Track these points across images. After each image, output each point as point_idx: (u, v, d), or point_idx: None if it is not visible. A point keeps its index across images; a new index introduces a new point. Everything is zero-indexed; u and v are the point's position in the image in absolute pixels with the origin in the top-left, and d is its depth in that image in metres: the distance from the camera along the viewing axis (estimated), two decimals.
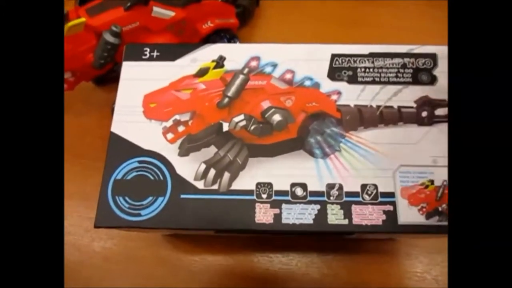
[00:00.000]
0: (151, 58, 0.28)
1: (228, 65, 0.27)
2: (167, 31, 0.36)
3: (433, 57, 0.27)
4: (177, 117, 0.26)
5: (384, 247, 0.35)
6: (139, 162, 0.25)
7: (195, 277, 0.34)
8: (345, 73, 0.27)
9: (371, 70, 0.27)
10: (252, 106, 0.26)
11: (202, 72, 0.27)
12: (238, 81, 0.26)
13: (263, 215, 0.23)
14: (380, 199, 0.24)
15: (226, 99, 0.26)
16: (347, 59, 0.27)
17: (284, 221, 0.23)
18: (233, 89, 0.26)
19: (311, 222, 0.23)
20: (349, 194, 0.24)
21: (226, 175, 0.24)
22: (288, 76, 0.27)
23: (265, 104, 0.26)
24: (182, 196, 0.24)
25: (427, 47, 0.28)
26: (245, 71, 0.27)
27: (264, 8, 0.48)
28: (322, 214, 0.23)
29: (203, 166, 0.24)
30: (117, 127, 0.26)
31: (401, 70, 0.27)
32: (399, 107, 0.26)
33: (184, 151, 0.25)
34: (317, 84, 0.26)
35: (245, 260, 0.35)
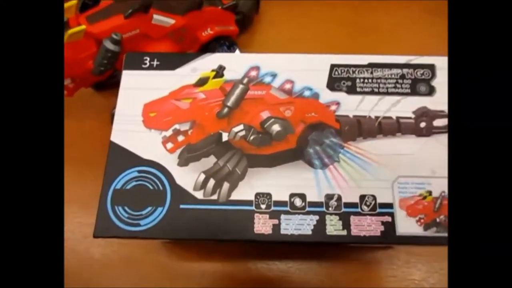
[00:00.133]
0: (151, 67, 0.28)
1: (228, 75, 0.27)
2: (167, 38, 0.37)
3: (431, 68, 0.28)
4: (176, 126, 0.26)
5: (383, 255, 0.35)
6: (139, 171, 0.25)
7: (194, 284, 0.34)
8: (344, 83, 0.27)
9: (370, 80, 0.27)
10: (252, 116, 0.26)
11: (202, 82, 0.27)
12: (237, 91, 0.26)
13: (262, 225, 0.23)
14: (378, 210, 0.24)
15: (226, 109, 0.26)
16: (346, 69, 0.27)
17: (283, 231, 0.23)
18: (232, 99, 0.26)
19: (310, 232, 0.23)
20: (348, 205, 0.24)
21: (226, 185, 0.24)
22: (288, 86, 0.27)
23: (265, 114, 0.26)
24: (182, 206, 0.24)
25: (426, 57, 0.28)
26: (245, 81, 0.27)
27: (263, 15, 0.48)
28: (320, 225, 0.23)
29: (203, 176, 0.24)
30: (116, 136, 0.26)
31: (400, 81, 0.27)
32: (398, 118, 0.26)
33: (183, 161, 0.25)
34: (316, 94, 0.27)
35: (243, 267, 0.35)
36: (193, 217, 0.23)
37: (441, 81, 0.27)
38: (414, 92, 0.27)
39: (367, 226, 0.23)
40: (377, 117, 0.26)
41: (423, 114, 0.26)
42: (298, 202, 0.24)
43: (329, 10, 0.49)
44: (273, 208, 0.24)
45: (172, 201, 0.24)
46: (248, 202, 0.24)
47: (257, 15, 0.48)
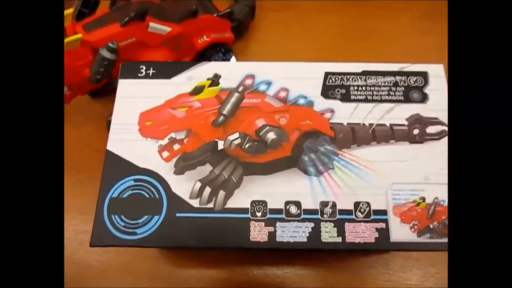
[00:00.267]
0: (147, 76, 0.28)
1: (223, 83, 0.27)
2: (164, 46, 0.37)
3: (424, 75, 0.28)
4: (172, 135, 0.26)
5: (379, 260, 0.35)
6: (135, 180, 0.25)
7: None
8: (338, 91, 0.27)
9: (363, 88, 0.27)
10: (247, 124, 0.26)
11: (198, 90, 0.27)
12: (233, 99, 0.26)
13: (258, 233, 0.24)
14: (372, 217, 0.24)
15: (221, 117, 0.26)
16: (340, 77, 0.28)
17: (278, 239, 0.23)
18: (228, 107, 0.26)
19: (305, 240, 0.23)
20: (342, 212, 0.24)
21: (221, 193, 0.24)
22: (282, 94, 0.27)
23: (260, 122, 0.26)
24: (178, 214, 0.24)
25: (418, 65, 0.28)
26: (240, 89, 0.27)
27: (259, 22, 0.49)
28: (316, 232, 0.24)
29: (199, 185, 0.24)
30: (113, 145, 0.26)
31: (393, 88, 0.27)
32: (391, 125, 0.26)
33: (179, 169, 0.25)
34: (310, 102, 0.27)
35: (240, 273, 0.35)
36: (189, 225, 0.24)
37: (434, 88, 0.28)
38: (407, 99, 0.27)
39: (361, 232, 0.23)
40: (371, 125, 0.26)
41: (416, 121, 0.26)
42: (293, 209, 0.24)
43: (325, 16, 0.49)
44: (268, 215, 0.24)
45: (168, 210, 0.24)
46: (244, 210, 0.24)
47: (253, 22, 0.48)
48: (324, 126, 0.26)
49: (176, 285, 0.35)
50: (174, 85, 0.27)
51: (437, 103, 0.27)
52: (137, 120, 0.26)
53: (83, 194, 0.37)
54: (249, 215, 0.24)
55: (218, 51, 0.42)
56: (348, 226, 0.24)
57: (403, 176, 0.25)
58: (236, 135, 0.26)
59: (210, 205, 0.24)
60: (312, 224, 0.24)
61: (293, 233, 0.24)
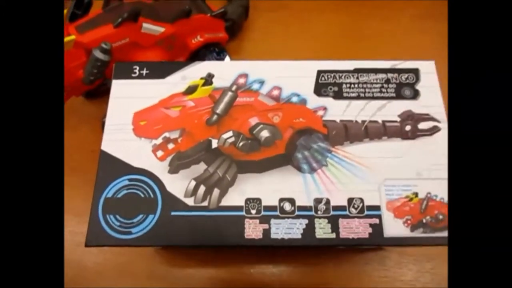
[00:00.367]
0: (140, 76, 0.28)
1: (217, 83, 0.28)
2: (157, 46, 0.37)
3: (415, 72, 0.28)
4: (166, 134, 0.26)
5: (374, 256, 0.36)
6: (130, 180, 0.25)
7: None
8: (330, 89, 0.28)
9: (356, 85, 0.28)
10: (241, 123, 0.26)
11: (191, 90, 0.27)
12: (226, 98, 0.27)
13: (253, 230, 0.24)
14: (366, 213, 0.24)
15: (215, 116, 0.26)
16: (332, 75, 0.28)
17: (273, 236, 0.24)
18: (221, 106, 0.26)
19: (300, 236, 0.24)
20: (336, 208, 0.24)
21: (216, 191, 0.24)
22: (276, 92, 0.27)
23: (253, 121, 0.26)
24: (173, 213, 0.24)
25: (410, 62, 0.29)
26: (233, 88, 0.27)
27: (252, 21, 0.49)
28: (310, 229, 0.24)
29: (193, 183, 0.25)
30: (107, 145, 0.26)
31: (385, 85, 0.28)
32: (384, 121, 0.27)
33: (174, 169, 0.25)
34: (303, 100, 0.27)
35: (237, 272, 0.35)
36: (184, 224, 0.24)
37: (425, 85, 0.28)
38: (399, 96, 0.27)
39: (355, 228, 0.24)
40: (363, 121, 0.27)
41: (408, 117, 0.27)
42: (287, 206, 0.24)
43: (319, 16, 0.50)
44: (263, 213, 0.24)
45: (163, 209, 0.24)
46: (238, 208, 0.24)
47: (247, 21, 0.48)
48: (317, 123, 0.26)
49: (173, 285, 0.35)
50: (167, 85, 0.28)
51: (428, 100, 0.27)
52: (131, 120, 0.26)
53: (79, 196, 0.37)
54: (243, 213, 0.24)
55: (212, 51, 0.42)
56: (342, 222, 0.24)
57: (395, 172, 0.25)
58: (230, 133, 0.26)
59: (205, 203, 0.24)
60: (306, 221, 0.24)
61: (287, 230, 0.24)
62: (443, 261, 0.35)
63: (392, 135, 0.26)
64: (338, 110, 0.27)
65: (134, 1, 0.36)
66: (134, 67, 0.28)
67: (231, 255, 0.35)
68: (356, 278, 0.35)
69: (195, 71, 0.28)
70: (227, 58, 0.43)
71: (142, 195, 0.24)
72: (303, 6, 0.50)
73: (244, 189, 0.25)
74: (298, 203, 0.24)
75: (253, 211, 0.24)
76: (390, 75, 0.28)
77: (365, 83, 0.28)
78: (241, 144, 0.26)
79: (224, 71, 0.28)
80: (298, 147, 0.26)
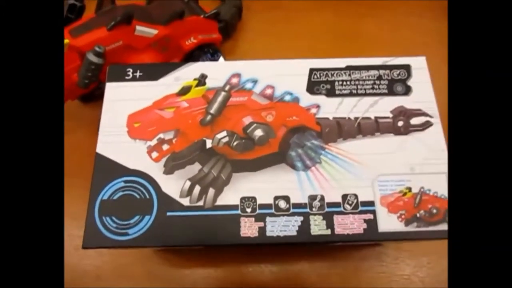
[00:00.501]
0: (134, 79, 0.28)
1: (210, 83, 0.28)
2: (151, 48, 0.37)
3: (407, 68, 0.28)
4: (161, 135, 0.26)
5: (372, 252, 0.36)
6: (125, 181, 0.25)
7: None
8: (323, 86, 0.28)
9: (348, 83, 0.28)
10: (234, 122, 0.26)
11: (185, 91, 0.27)
12: (220, 98, 0.27)
13: (248, 228, 0.24)
14: (360, 208, 0.24)
15: (209, 116, 0.26)
16: (324, 73, 0.28)
17: (268, 233, 0.24)
18: (215, 106, 0.27)
19: (295, 233, 0.24)
20: (331, 204, 0.24)
21: (211, 191, 0.25)
22: (269, 91, 0.27)
23: (247, 120, 0.26)
24: (169, 213, 0.24)
25: (401, 58, 0.29)
26: (227, 88, 0.27)
27: (246, 22, 0.49)
28: (305, 225, 0.24)
29: (188, 183, 0.25)
30: (102, 148, 0.26)
31: (377, 82, 0.28)
32: (376, 118, 0.27)
33: (169, 169, 0.25)
34: (296, 98, 0.27)
35: (236, 271, 0.35)
36: (180, 224, 0.24)
37: (417, 81, 0.28)
38: (391, 92, 0.28)
39: (350, 224, 0.24)
40: (356, 118, 0.27)
41: (401, 113, 0.27)
42: (282, 204, 0.24)
43: (312, 15, 0.50)
44: (258, 211, 0.24)
45: (159, 209, 0.24)
46: (234, 207, 0.24)
47: (240, 22, 0.49)
48: (310, 121, 0.27)
49: (172, 285, 0.35)
50: (161, 86, 0.28)
51: (420, 95, 0.28)
52: (125, 122, 0.27)
53: (76, 199, 0.37)
54: (239, 212, 0.24)
55: (206, 52, 0.42)
56: (336, 219, 0.24)
57: (389, 167, 0.25)
58: (224, 133, 0.26)
59: (200, 203, 0.24)
60: (301, 218, 0.24)
61: (283, 227, 0.24)
62: (440, 255, 0.36)
63: (384, 131, 0.26)
64: (331, 108, 0.27)
65: (127, 4, 0.36)
66: (128, 69, 0.28)
67: (229, 254, 0.36)
68: (354, 275, 0.35)
69: (188, 72, 0.28)
70: (221, 59, 0.43)
71: (138, 197, 0.25)
72: (296, 6, 0.51)
73: (239, 188, 0.25)
74: (293, 200, 0.24)
75: (248, 210, 0.24)
76: (382, 72, 0.28)
77: (357, 80, 0.28)
78: (235, 143, 0.26)
79: (217, 71, 0.28)
80: (292, 145, 0.26)
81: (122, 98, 0.27)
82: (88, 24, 0.34)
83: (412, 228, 0.24)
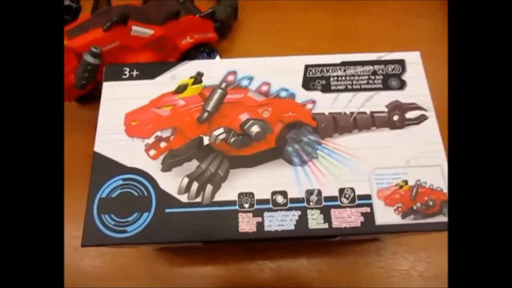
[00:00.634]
0: (130, 78, 0.28)
1: (206, 81, 0.28)
2: (147, 48, 0.37)
3: (401, 63, 0.29)
4: (158, 133, 0.26)
5: (370, 247, 0.36)
6: (123, 179, 0.25)
7: None
8: (318, 82, 0.28)
9: (343, 78, 0.28)
10: (231, 119, 0.27)
11: (181, 89, 0.28)
12: (216, 96, 0.27)
13: (246, 224, 0.24)
14: (357, 202, 0.25)
15: (206, 114, 0.27)
16: (320, 68, 0.28)
17: (266, 228, 0.24)
18: (212, 103, 0.27)
19: (293, 228, 0.24)
20: (328, 198, 0.25)
21: (209, 187, 0.25)
22: (264, 88, 0.28)
23: (243, 117, 0.27)
24: (167, 210, 0.24)
25: (396, 53, 0.29)
26: (223, 85, 0.28)
27: (242, 21, 0.49)
28: (303, 220, 0.24)
29: (186, 180, 0.25)
30: (100, 147, 0.26)
31: (372, 77, 0.28)
32: (372, 112, 0.27)
33: (167, 167, 0.25)
34: (292, 94, 0.28)
35: (235, 268, 0.35)
36: (178, 221, 0.24)
37: (411, 75, 0.28)
38: (386, 87, 0.28)
39: (347, 218, 0.24)
40: (352, 113, 0.27)
41: (396, 107, 0.27)
42: (280, 199, 0.25)
43: (308, 14, 0.50)
44: (256, 206, 0.24)
45: (158, 206, 0.24)
46: (232, 203, 0.24)
47: (236, 22, 0.49)
48: (306, 117, 0.27)
49: (173, 284, 0.35)
50: (157, 85, 0.28)
51: (415, 89, 0.28)
52: (123, 121, 0.27)
53: (75, 200, 0.37)
54: (237, 207, 0.24)
55: (202, 51, 0.42)
56: (334, 212, 0.24)
57: (385, 161, 0.26)
58: (221, 130, 0.26)
59: (198, 199, 0.25)
60: (299, 212, 0.24)
61: (280, 222, 0.24)
62: (438, 249, 0.36)
63: (380, 125, 0.27)
64: (326, 103, 0.27)
65: (123, 5, 0.37)
66: (124, 68, 0.29)
67: (228, 252, 0.36)
68: (353, 270, 0.35)
69: (185, 71, 0.28)
70: (218, 58, 0.43)
71: (136, 194, 0.25)
72: (291, 6, 0.51)
73: (237, 184, 0.25)
74: (290, 195, 0.25)
75: (246, 205, 0.24)
76: (376, 67, 0.29)
77: (352, 75, 0.28)
78: (232, 140, 0.26)
79: (213, 69, 0.28)
80: (288, 140, 0.26)
81: (119, 97, 0.28)
82: (84, 25, 0.34)
83: (409, 220, 0.24)
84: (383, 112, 0.27)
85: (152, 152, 0.26)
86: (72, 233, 0.37)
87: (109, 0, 0.36)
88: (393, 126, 0.27)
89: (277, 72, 0.28)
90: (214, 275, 0.35)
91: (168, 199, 0.25)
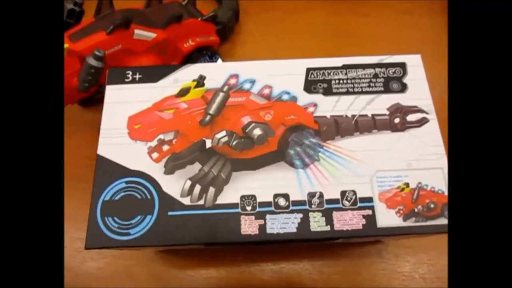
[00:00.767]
0: (133, 81, 0.29)
1: (209, 84, 0.28)
2: (150, 51, 0.38)
3: (402, 66, 0.29)
4: (161, 136, 0.26)
5: (372, 250, 0.36)
6: (126, 182, 0.25)
7: None
8: (320, 85, 0.28)
9: (344, 81, 0.28)
10: (233, 122, 0.27)
11: (184, 92, 0.28)
12: (218, 99, 0.27)
13: (249, 226, 0.24)
14: (359, 204, 0.25)
15: (208, 117, 0.27)
16: (321, 72, 0.29)
17: (268, 231, 0.24)
18: (214, 106, 0.27)
19: (295, 230, 0.24)
20: (330, 201, 0.25)
21: (211, 190, 0.25)
22: (266, 91, 0.28)
23: (246, 120, 0.27)
24: (170, 213, 0.24)
25: (397, 56, 0.29)
26: (225, 88, 0.28)
27: (243, 24, 0.50)
28: (305, 222, 0.24)
29: (189, 183, 0.25)
30: (103, 150, 0.26)
31: (373, 80, 0.28)
32: (373, 115, 0.27)
33: (169, 169, 0.26)
34: (294, 97, 0.28)
35: (237, 271, 0.35)
36: (181, 223, 0.24)
37: (412, 78, 0.28)
38: (387, 89, 0.28)
39: (349, 220, 0.24)
40: (353, 116, 0.27)
41: (397, 110, 0.27)
42: (282, 201, 0.25)
43: (309, 15, 0.51)
44: (258, 209, 0.25)
45: (160, 209, 0.25)
46: (234, 205, 0.25)
47: (238, 24, 0.49)
48: (308, 119, 0.27)
49: (175, 287, 0.35)
50: (160, 88, 0.28)
51: (416, 92, 0.28)
52: (125, 124, 0.27)
53: (78, 203, 0.38)
54: (239, 210, 0.24)
55: (204, 54, 0.42)
56: (335, 215, 0.24)
57: (386, 164, 0.26)
58: (223, 133, 0.26)
59: (201, 202, 0.25)
60: (301, 215, 0.24)
61: (282, 224, 0.24)
62: (440, 252, 0.36)
63: (381, 128, 0.27)
64: (328, 106, 0.27)
65: (126, 8, 0.37)
66: (127, 72, 0.29)
67: (230, 255, 0.36)
68: (355, 272, 0.35)
69: (187, 74, 0.29)
70: (219, 61, 0.43)
71: (139, 197, 0.25)
72: (292, 7, 0.51)
73: (239, 187, 0.25)
74: (292, 198, 0.25)
75: (249, 208, 0.25)
76: (377, 70, 0.29)
77: (354, 78, 0.28)
78: (234, 143, 0.26)
79: (216, 72, 0.29)
80: (290, 143, 0.26)
81: (122, 100, 0.28)
82: (87, 28, 0.34)
83: (410, 223, 0.24)
84: (385, 115, 0.27)
85: (155, 155, 0.26)
86: (74, 235, 0.37)
87: (112, 3, 0.36)
88: (394, 128, 0.27)
89: (279, 75, 0.28)
90: (215, 277, 0.35)
91: (170, 202, 0.25)
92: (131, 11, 0.36)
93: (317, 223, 0.24)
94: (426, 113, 0.27)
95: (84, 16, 0.35)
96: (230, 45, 0.48)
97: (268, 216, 0.24)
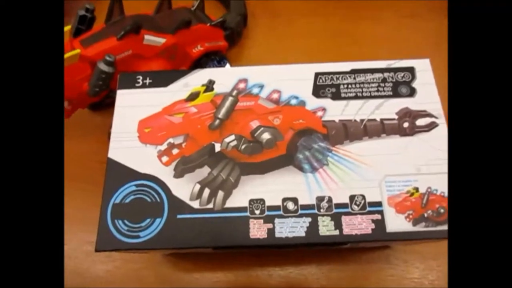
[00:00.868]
0: (144, 86, 0.29)
1: (218, 88, 0.28)
2: (159, 56, 0.38)
3: (411, 70, 0.29)
4: (171, 140, 0.27)
5: (381, 255, 0.36)
6: (136, 185, 0.26)
7: None
8: (328, 90, 0.28)
9: (353, 86, 0.28)
10: (242, 126, 0.27)
11: (193, 96, 0.28)
12: (227, 103, 0.27)
13: (257, 230, 0.24)
14: (368, 209, 0.25)
15: (217, 121, 0.27)
16: (330, 76, 0.29)
17: (277, 235, 0.24)
18: (223, 111, 0.27)
19: (303, 234, 0.24)
20: (339, 205, 0.25)
21: (220, 193, 0.25)
22: (275, 95, 0.28)
23: (254, 124, 0.27)
24: (179, 216, 0.25)
25: (405, 61, 0.29)
26: (234, 93, 0.28)
27: (251, 28, 0.50)
28: (313, 226, 0.24)
29: (198, 186, 0.25)
30: (114, 153, 0.27)
31: (382, 85, 0.28)
32: (382, 119, 0.27)
33: (179, 173, 0.26)
34: (302, 102, 0.28)
35: (244, 275, 0.35)
36: (190, 226, 0.24)
37: (421, 82, 0.28)
38: (396, 94, 0.28)
39: (358, 224, 0.24)
40: (362, 120, 0.27)
41: (406, 114, 0.27)
42: (290, 205, 0.25)
43: (315, 20, 0.51)
44: (267, 213, 0.25)
45: (170, 212, 0.25)
46: (243, 209, 0.25)
47: (246, 29, 0.50)
48: (316, 124, 0.27)
49: None
50: (170, 92, 0.29)
51: (425, 97, 0.28)
52: (136, 128, 0.27)
53: (87, 206, 0.38)
54: (248, 214, 0.25)
55: (213, 59, 0.43)
56: (344, 219, 0.24)
57: (395, 168, 0.26)
58: (232, 137, 0.27)
59: (210, 205, 0.25)
60: (309, 219, 0.24)
61: (291, 228, 0.24)
62: None
63: (390, 133, 0.27)
64: (336, 110, 0.27)
65: (136, 14, 0.38)
66: (138, 77, 0.29)
67: (238, 259, 0.36)
68: (363, 278, 0.35)
69: (197, 78, 0.29)
70: (228, 65, 0.44)
71: (149, 200, 0.25)
72: (299, 12, 0.52)
73: (248, 190, 0.25)
74: (301, 202, 0.25)
75: (257, 212, 0.25)
76: (386, 74, 0.29)
77: (362, 83, 0.28)
78: (243, 147, 0.26)
79: (225, 77, 0.29)
80: (299, 147, 0.26)
81: (133, 105, 0.28)
82: (98, 34, 0.35)
83: (420, 228, 0.24)
84: (393, 119, 0.27)
85: (165, 159, 0.26)
86: (83, 237, 0.38)
87: (123, 10, 0.36)
88: (403, 133, 0.27)
89: (288, 80, 0.29)
90: (223, 281, 0.35)
91: (180, 205, 0.25)
92: (141, 17, 0.37)
93: (326, 227, 0.24)
94: (435, 117, 0.27)
95: (95, 22, 0.36)
96: (238, 49, 0.49)
97: (276, 220, 0.24)
